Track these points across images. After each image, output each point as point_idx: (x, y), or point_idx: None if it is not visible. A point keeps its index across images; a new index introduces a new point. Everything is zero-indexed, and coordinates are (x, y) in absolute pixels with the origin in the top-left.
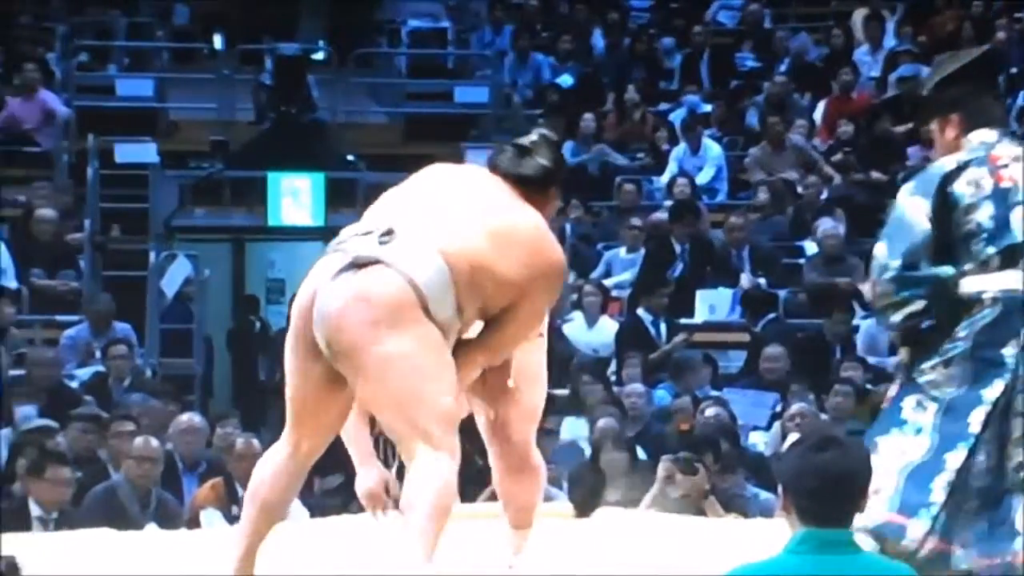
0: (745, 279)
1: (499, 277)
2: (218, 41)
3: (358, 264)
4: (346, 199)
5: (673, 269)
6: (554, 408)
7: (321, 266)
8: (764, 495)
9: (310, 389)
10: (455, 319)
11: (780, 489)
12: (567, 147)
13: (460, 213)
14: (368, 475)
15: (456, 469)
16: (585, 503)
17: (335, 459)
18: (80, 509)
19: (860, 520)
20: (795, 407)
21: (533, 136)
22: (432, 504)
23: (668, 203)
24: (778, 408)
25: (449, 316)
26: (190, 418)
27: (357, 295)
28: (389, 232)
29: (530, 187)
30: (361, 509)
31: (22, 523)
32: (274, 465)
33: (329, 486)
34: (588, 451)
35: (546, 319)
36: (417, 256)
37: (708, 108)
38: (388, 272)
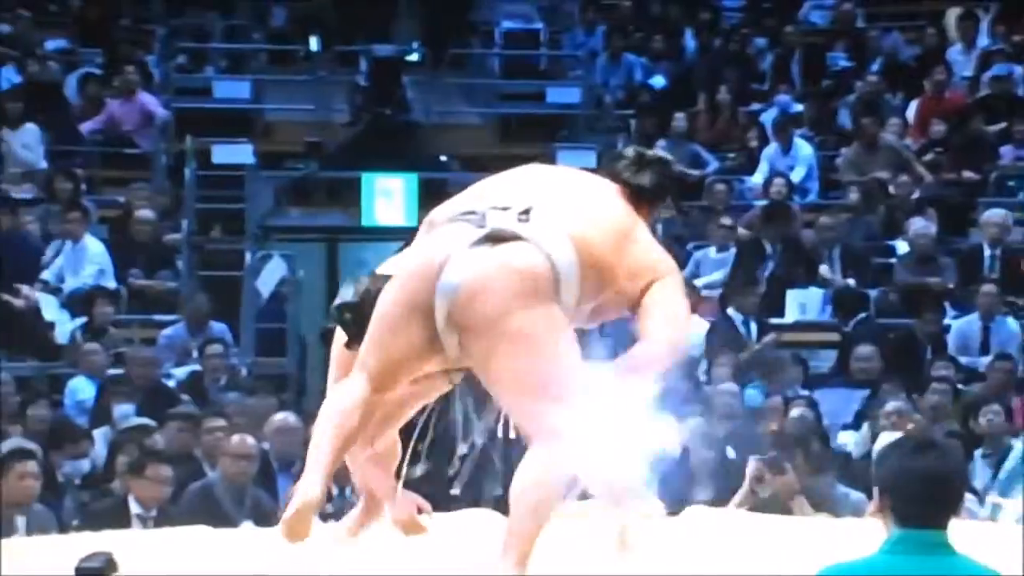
0: (824, 269)
1: (617, 281)
2: (314, 43)
3: (497, 237)
4: (439, 200)
5: (763, 269)
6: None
7: (451, 233)
8: (854, 495)
9: (408, 354)
10: (571, 310)
11: (876, 491)
12: (660, 145)
13: (584, 210)
14: (399, 507)
15: (569, 460)
16: (674, 502)
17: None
18: (177, 507)
19: None
20: (891, 405)
21: (655, 152)
22: (536, 502)
23: (759, 203)
24: (865, 405)
25: (572, 304)
26: (285, 417)
27: (500, 267)
28: (527, 211)
29: (640, 198)
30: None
31: (122, 521)
32: (354, 401)
33: (412, 475)
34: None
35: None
36: (554, 237)
37: (800, 108)
38: (530, 248)
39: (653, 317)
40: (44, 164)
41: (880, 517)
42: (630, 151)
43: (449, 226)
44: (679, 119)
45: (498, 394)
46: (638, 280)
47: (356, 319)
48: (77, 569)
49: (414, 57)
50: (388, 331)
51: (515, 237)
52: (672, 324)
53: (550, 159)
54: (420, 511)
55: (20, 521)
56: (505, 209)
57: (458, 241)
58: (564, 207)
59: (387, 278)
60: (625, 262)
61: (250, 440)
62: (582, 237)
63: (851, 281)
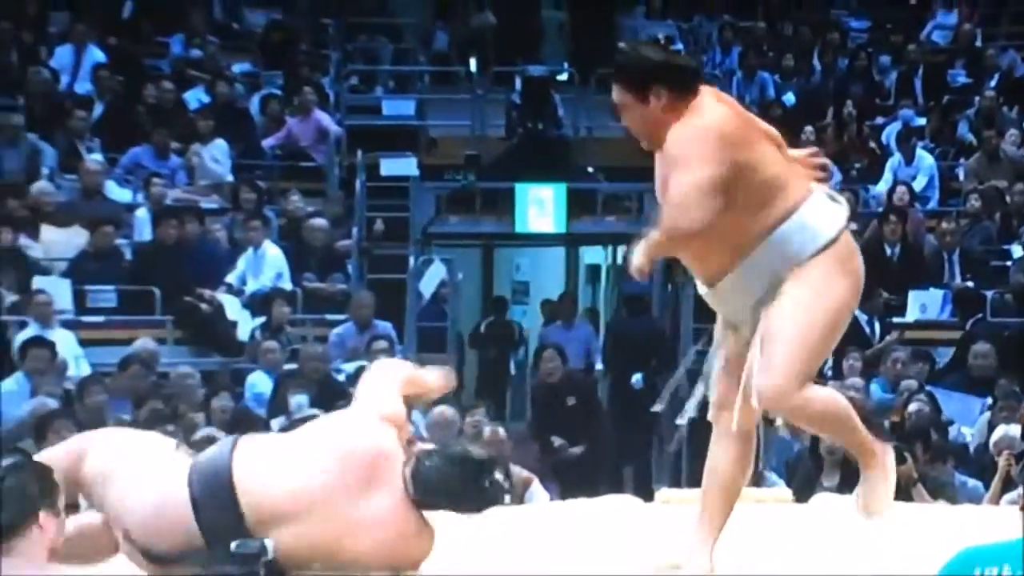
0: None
1: None
2: (473, 65)
3: None
4: (586, 207)
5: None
6: None
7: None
8: (971, 482)
9: None
10: None
11: None
12: None
13: None
14: None
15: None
16: (803, 488)
17: (582, 429)
18: None
19: None
20: None
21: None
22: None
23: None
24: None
25: None
26: (443, 410)
27: None
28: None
29: None
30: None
31: None
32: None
33: (572, 455)
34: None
35: None
36: None
37: (922, 121)
38: None
39: None
40: (230, 177)
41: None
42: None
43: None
44: (808, 132)
45: None
46: None
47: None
48: (232, 553)
49: (564, 76)
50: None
51: None
52: None
53: None
54: None
55: None
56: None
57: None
58: None
59: None
60: None
61: (410, 427)
62: None
63: (970, 283)
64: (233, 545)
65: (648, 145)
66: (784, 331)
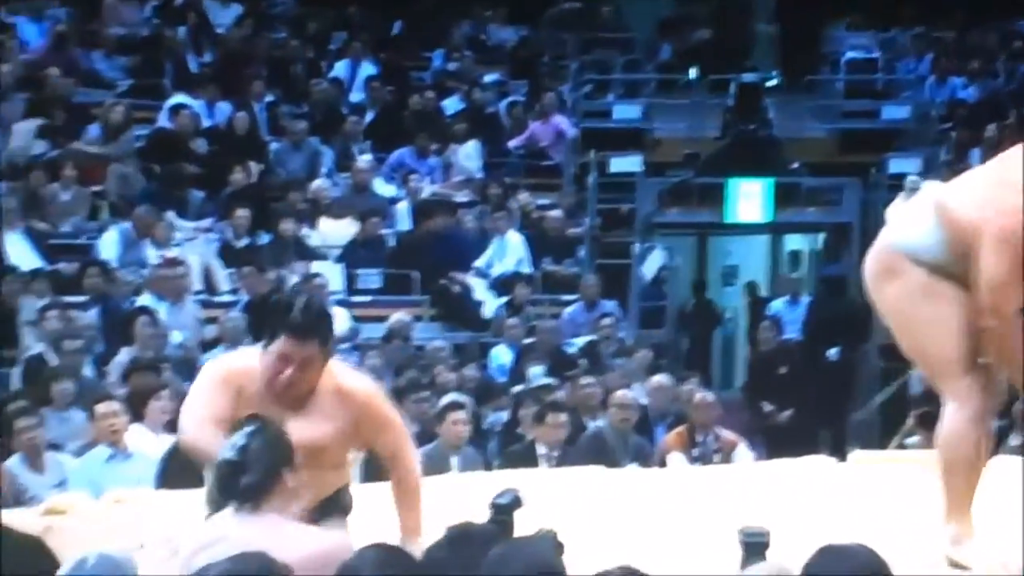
0: None
1: None
2: (693, 73)
3: None
4: (790, 199)
5: None
6: None
7: None
8: None
9: None
10: None
11: None
12: (974, 153)
13: None
14: None
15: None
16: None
17: (790, 396)
18: (574, 449)
19: None
20: None
21: None
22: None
23: None
24: None
25: None
26: (661, 379)
27: None
28: None
29: None
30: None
31: (531, 461)
32: None
33: (781, 419)
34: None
35: None
36: None
37: None
38: None
39: None
40: (480, 174)
41: None
42: None
43: None
44: (990, 130)
45: None
46: None
47: None
48: (491, 504)
49: (773, 83)
50: None
51: None
52: None
53: (882, 166)
54: None
55: (454, 460)
56: None
57: None
58: None
59: None
60: None
61: (630, 394)
62: None
63: None
64: (492, 497)
65: None
66: None
